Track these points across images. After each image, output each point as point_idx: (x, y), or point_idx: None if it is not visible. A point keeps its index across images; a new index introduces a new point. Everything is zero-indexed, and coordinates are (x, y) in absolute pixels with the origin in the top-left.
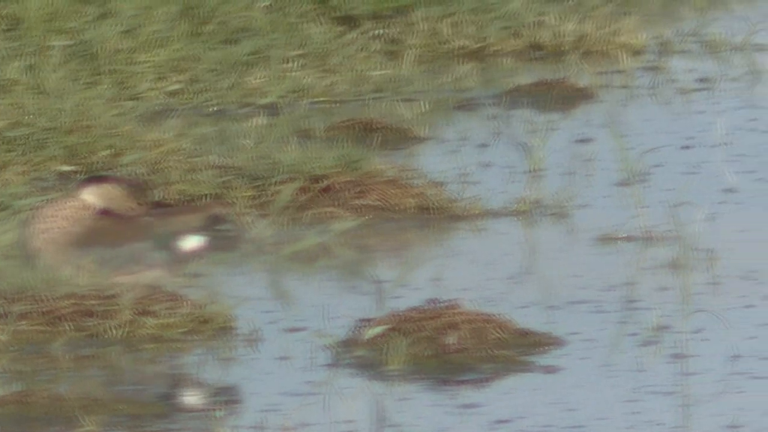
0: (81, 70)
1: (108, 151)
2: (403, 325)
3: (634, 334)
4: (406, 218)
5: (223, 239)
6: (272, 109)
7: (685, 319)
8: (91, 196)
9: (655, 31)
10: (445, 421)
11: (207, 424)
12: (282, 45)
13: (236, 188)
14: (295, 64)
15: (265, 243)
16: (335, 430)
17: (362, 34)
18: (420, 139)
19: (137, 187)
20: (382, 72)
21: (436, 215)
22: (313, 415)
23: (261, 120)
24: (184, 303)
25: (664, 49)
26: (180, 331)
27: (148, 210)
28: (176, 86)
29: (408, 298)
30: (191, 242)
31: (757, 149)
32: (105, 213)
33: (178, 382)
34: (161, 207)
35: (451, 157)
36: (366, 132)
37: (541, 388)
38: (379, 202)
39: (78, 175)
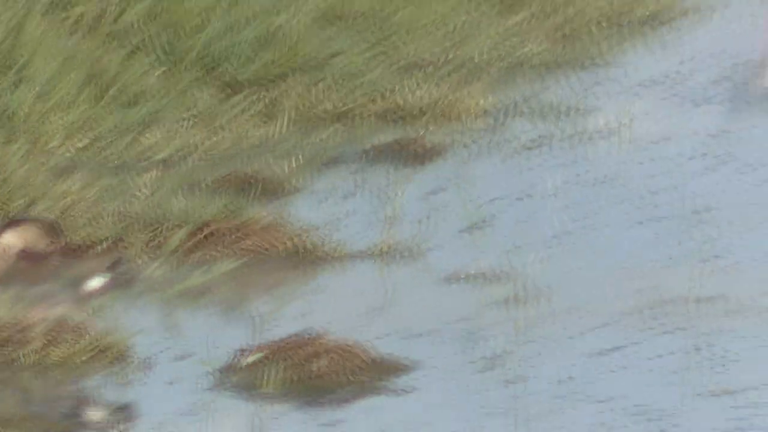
0: None
1: (22, 201)
2: (276, 353)
3: (475, 361)
4: (280, 260)
5: (122, 278)
6: (165, 164)
7: (520, 347)
8: (10, 237)
9: (498, 95)
10: None
11: None
12: (174, 108)
13: (133, 233)
14: (185, 124)
15: (158, 281)
16: None
17: (244, 98)
18: (293, 191)
19: (52, 227)
20: (261, 131)
21: (306, 257)
22: None
23: (155, 173)
24: (88, 334)
25: (506, 111)
26: (83, 358)
27: (61, 248)
28: (83, 143)
29: (281, 330)
30: (95, 282)
31: (584, 200)
32: (23, 254)
33: (81, 402)
34: (69, 250)
35: (320, 207)
36: (246, 184)
37: (395, 408)
38: (257, 246)
39: None
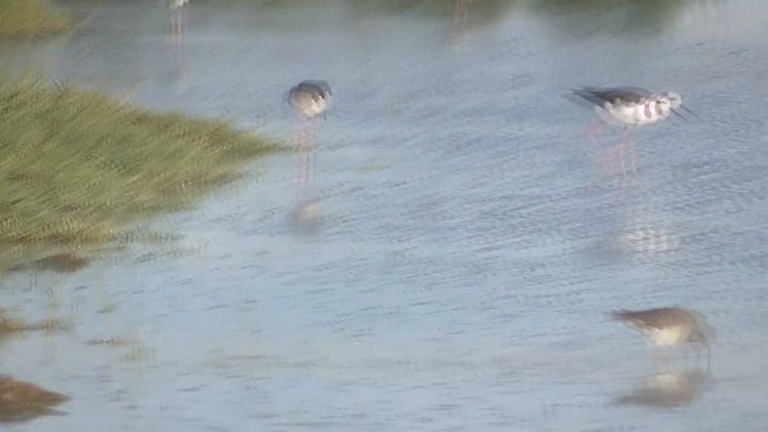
0: None
1: None
2: None
3: (109, 394)
4: None
5: None
6: None
7: (137, 386)
8: None
9: (122, 227)
10: None
11: None
12: None
13: None
14: None
15: None
16: None
17: None
18: None
19: None
20: None
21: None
22: None
23: None
24: None
25: (127, 236)
26: None
27: None
28: None
29: None
30: None
31: (176, 294)
32: None
33: None
34: None
35: (7, 297)
36: None
37: (58, 424)
38: None
39: None
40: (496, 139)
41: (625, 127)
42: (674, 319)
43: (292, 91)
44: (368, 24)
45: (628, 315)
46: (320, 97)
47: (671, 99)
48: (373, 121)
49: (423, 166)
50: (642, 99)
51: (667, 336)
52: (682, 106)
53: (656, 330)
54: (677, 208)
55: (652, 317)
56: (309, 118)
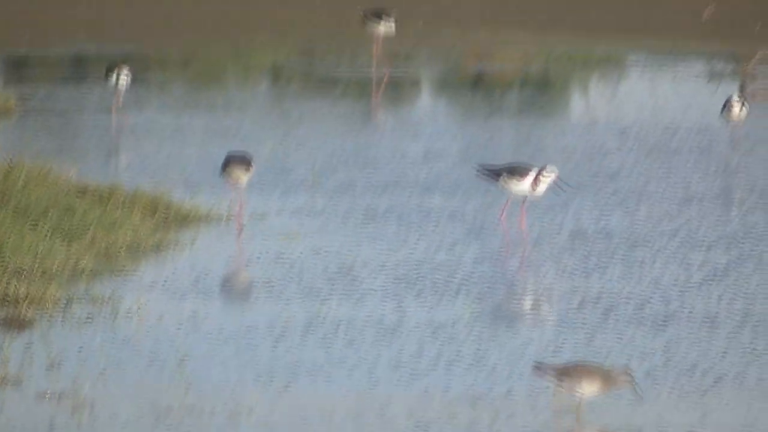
0: None
1: None
2: None
3: None
4: None
5: None
6: None
7: None
8: None
9: (65, 290)
10: None
11: None
12: None
13: None
14: None
15: None
16: None
17: None
18: None
19: None
20: None
21: None
22: None
23: None
24: None
25: (70, 300)
26: None
27: None
28: None
29: None
30: None
31: (116, 353)
32: None
33: None
34: None
35: None
36: None
37: None
38: None
39: None
40: (407, 210)
41: (525, 200)
42: (589, 372)
43: (226, 163)
44: (291, 105)
45: (549, 370)
46: (250, 167)
47: (549, 173)
48: (294, 193)
49: (340, 235)
50: (526, 173)
51: (589, 387)
52: (558, 177)
53: (577, 382)
54: (573, 273)
55: (569, 371)
56: (239, 188)
